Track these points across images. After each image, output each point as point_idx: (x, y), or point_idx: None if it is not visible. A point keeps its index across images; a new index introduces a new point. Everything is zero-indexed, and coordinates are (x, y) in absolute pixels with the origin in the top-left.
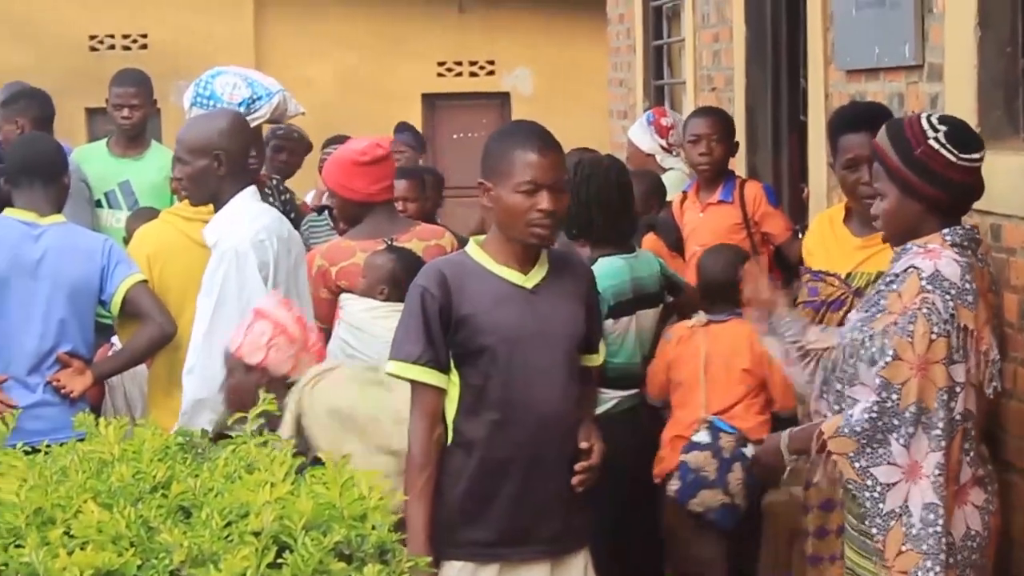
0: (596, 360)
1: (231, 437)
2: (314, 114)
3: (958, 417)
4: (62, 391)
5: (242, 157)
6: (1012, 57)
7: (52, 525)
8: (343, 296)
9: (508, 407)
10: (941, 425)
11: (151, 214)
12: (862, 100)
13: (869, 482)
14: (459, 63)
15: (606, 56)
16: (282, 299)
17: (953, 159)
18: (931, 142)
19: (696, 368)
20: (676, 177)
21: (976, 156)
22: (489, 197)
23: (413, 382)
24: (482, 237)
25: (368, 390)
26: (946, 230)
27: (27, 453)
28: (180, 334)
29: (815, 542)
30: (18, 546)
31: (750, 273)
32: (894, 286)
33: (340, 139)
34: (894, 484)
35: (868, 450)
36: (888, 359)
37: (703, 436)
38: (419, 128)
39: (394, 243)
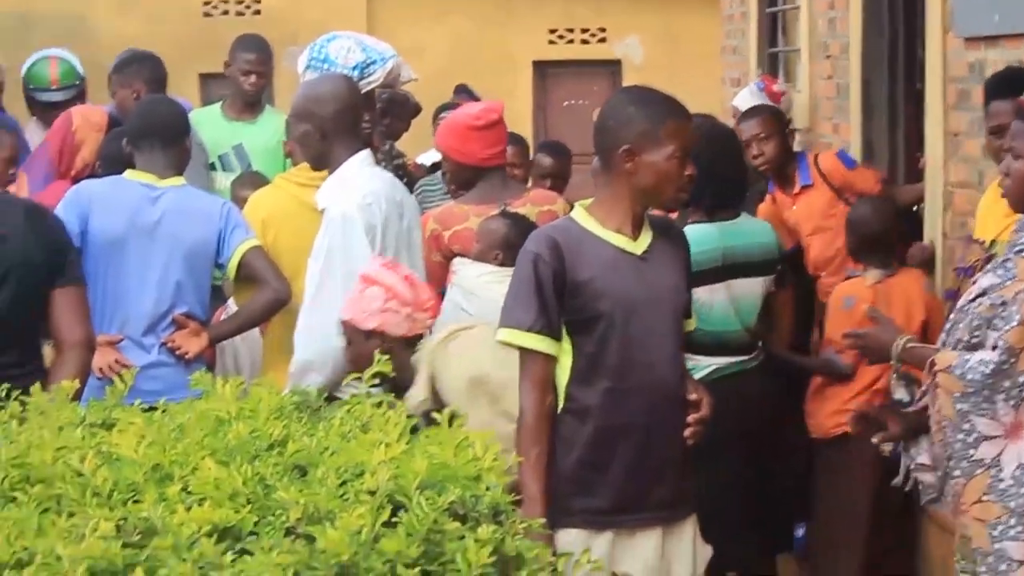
0: (691, 325)
1: (340, 399)
2: (426, 81)
3: None
4: (177, 352)
5: (350, 122)
6: None
7: (170, 481)
8: (456, 260)
9: (623, 374)
10: None
11: (256, 179)
12: (1019, 65)
13: (965, 426)
14: (570, 30)
15: (718, 23)
16: (387, 261)
17: None
18: None
19: None
20: None
21: None
22: (635, 163)
23: (523, 350)
24: (588, 202)
25: (502, 354)
26: None
27: (144, 412)
28: (294, 300)
29: None
30: (136, 501)
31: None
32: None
33: (453, 105)
34: (992, 437)
35: (974, 399)
36: (1014, 324)
37: (901, 393)
38: (530, 95)
39: (508, 208)
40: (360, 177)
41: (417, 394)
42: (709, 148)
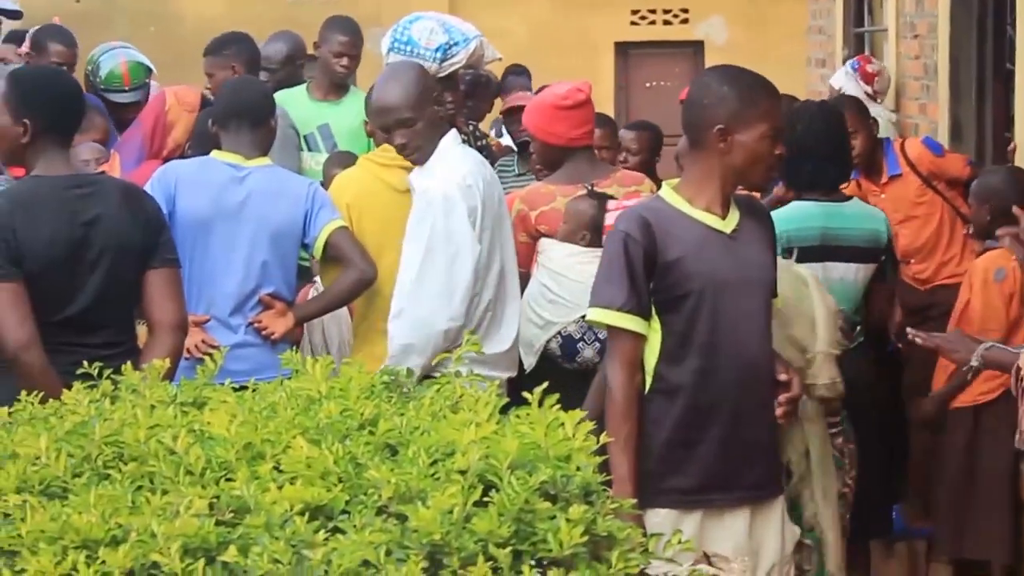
0: (777, 304)
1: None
2: (508, 63)
3: None
4: (263, 332)
5: (442, 102)
6: None
7: (262, 460)
8: (543, 241)
9: (713, 353)
10: None
11: (348, 158)
12: None
13: None
14: (652, 11)
15: (803, 4)
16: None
17: None
18: None
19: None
20: (880, 125)
21: None
22: (728, 143)
23: (612, 329)
24: (675, 181)
25: (795, 283)
26: None
27: (234, 391)
28: (379, 280)
29: None
30: (228, 480)
31: None
32: None
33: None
34: None
35: None
36: None
37: None
38: (612, 77)
39: (595, 188)
40: (454, 157)
41: None
42: (811, 127)
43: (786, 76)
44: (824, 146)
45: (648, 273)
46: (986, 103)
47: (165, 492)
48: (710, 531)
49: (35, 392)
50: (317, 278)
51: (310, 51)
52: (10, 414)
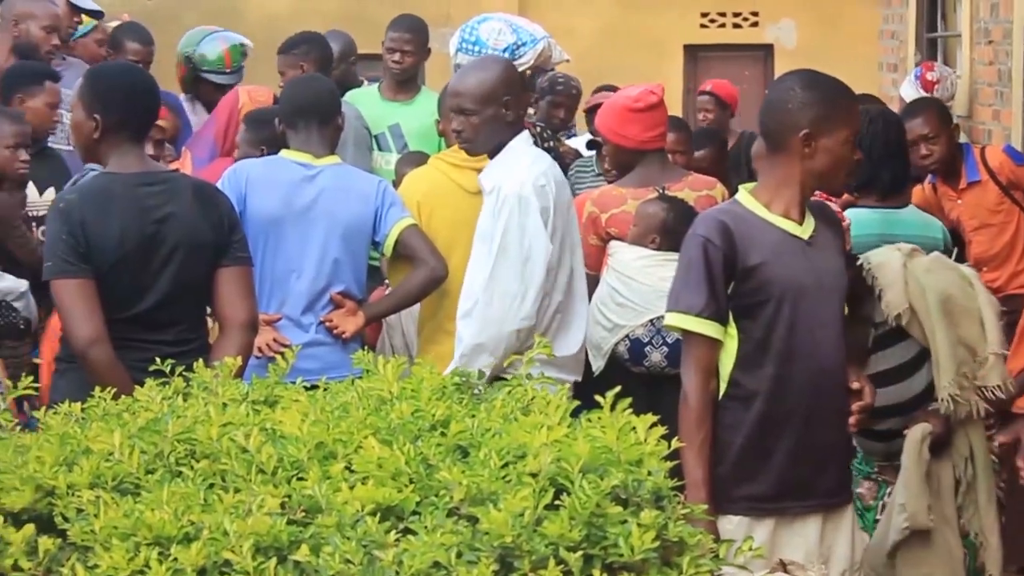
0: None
1: (506, 380)
2: (576, 64)
3: None
4: (334, 331)
5: (521, 103)
6: None
7: (333, 460)
8: (613, 244)
9: (789, 360)
10: None
11: (420, 158)
12: None
13: None
14: (722, 14)
15: (875, 8)
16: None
17: None
18: None
19: None
20: None
21: None
22: (812, 148)
23: (688, 334)
24: (751, 185)
25: (962, 282)
26: None
27: (305, 390)
28: (448, 280)
29: None
30: (300, 479)
31: None
32: None
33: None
34: None
35: None
36: None
37: None
38: (680, 80)
39: (666, 192)
40: (526, 158)
41: (898, 303)
42: (886, 131)
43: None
44: (879, 150)
45: (727, 279)
46: None
47: (237, 490)
48: (782, 538)
49: (107, 388)
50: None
51: (375, 50)
52: (83, 410)
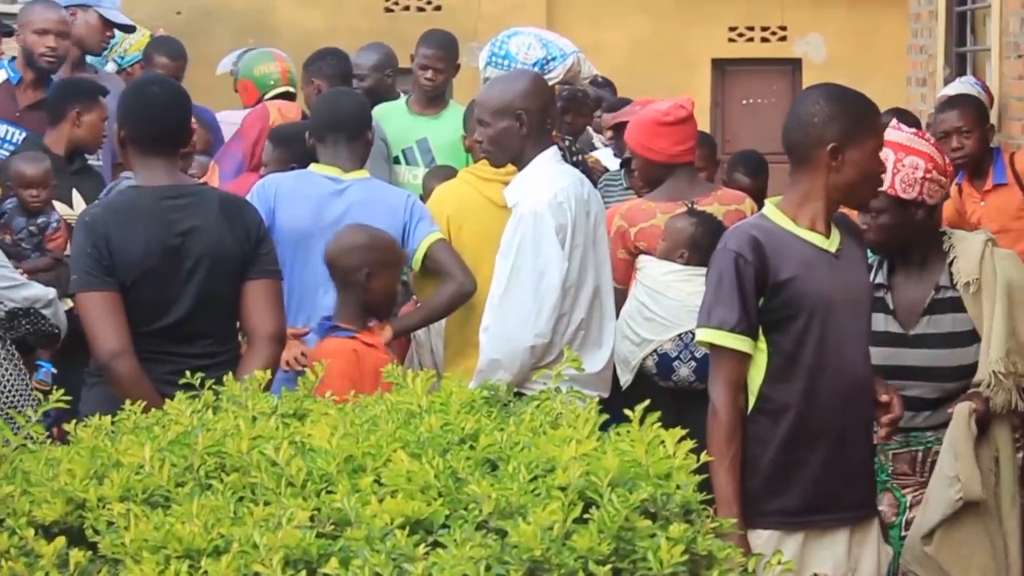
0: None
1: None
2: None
3: None
4: None
5: (543, 118)
6: None
7: (362, 473)
8: (641, 258)
9: (820, 374)
10: None
11: (448, 172)
12: None
13: None
14: (751, 28)
15: (904, 22)
16: (911, 130)
17: None
18: None
19: None
20: None
21: None
22: (840, 161)
23: (719, 348)
24: (778, 199)
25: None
26: None
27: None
28: (476, 294)
29: None
30: (330, 492)
31: None
32: None
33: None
34: None
35: None
36: None
37: None
38: (708, 94)
39: (695, 206)
40: (550, 174)
41: (970, 272)
42: None
43: (886, 95)
44: None
45: (759, 293)
46: None
47: (267, 503)
48: (811, 552)
49: (134, 401)
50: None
51: (405, 64)
52: (113, 423)
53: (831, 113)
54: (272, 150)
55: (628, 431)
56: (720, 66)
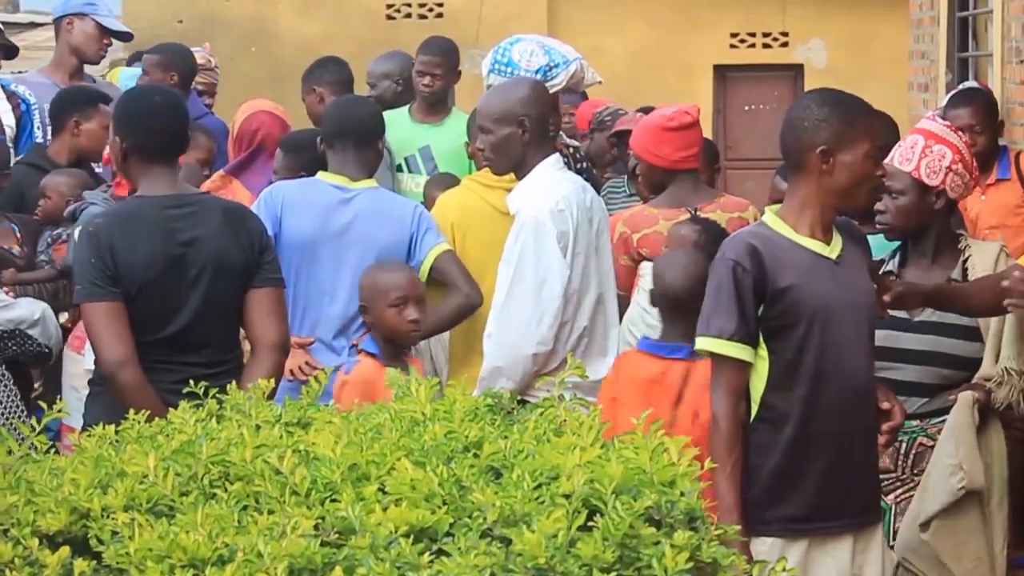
0: None
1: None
2: (606, 85)
3: None
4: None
5: (544, 124)
6: None
7: (366, 481)
8: (644, 264)
9: (822, 381)
10: None
11: (449, 180)
12: None
13: None
14: (752, 34)
15: (905, 28)
16: (945, 123)
17: None
18: None
19: None
20: None
21: None
22: (831, 164)
23: (719, 357)
24: (777, 207)
25: None
26: None
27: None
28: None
29: None
30: (334, 500)
31: None
32: None
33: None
34: None
35: None
36: None
37: None
38: (710, 100)
39: (698, 213)
40: (552, 181)
41: (984, 267)
42: None
43: (887, 100)
44: None
45: (758, 301)
46: None
47: (271, 512)
48: (815, 559)
49: (139, 411)
50: None
51: None
52: (117, 432)
53: (821, 117)
54: (282, 157)
55: (632, 438)
56: (721, 72)
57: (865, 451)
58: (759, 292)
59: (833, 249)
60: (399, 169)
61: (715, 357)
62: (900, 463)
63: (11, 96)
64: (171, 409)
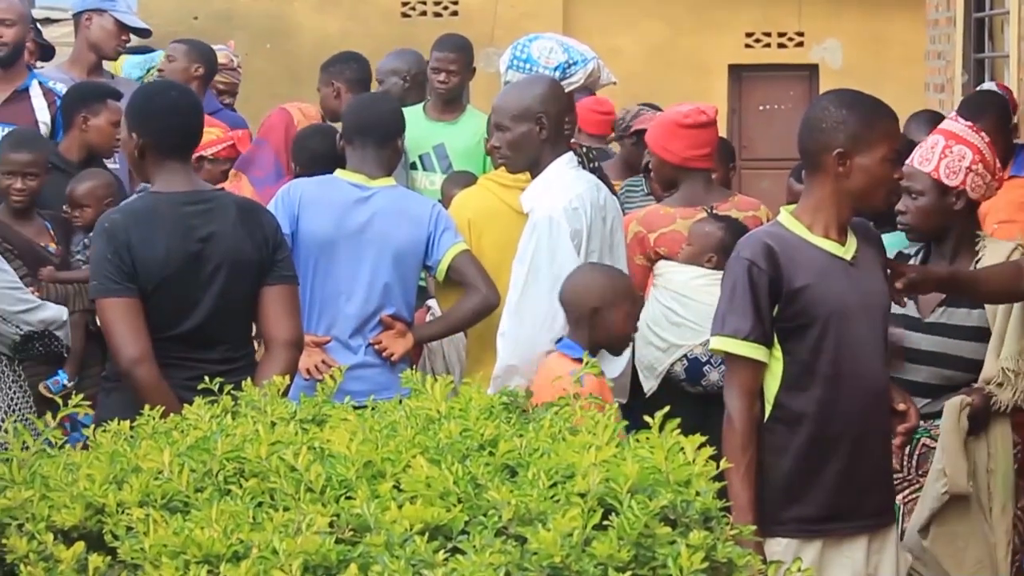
0: None
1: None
2: (621, 85)
3: None
4: (383, 353)
5: (561, 122)
6: None
7: (382, 479)
8: (661, 264)
9: (837, 381)
10: None
11: (466, 178)
12: None
13: None
14: (767, 34)
15: (921, 28)
16: (967, 124)
17: None
18: None
19: None
20: None
21: None
22: (847, 167)
23: (734, 357)
24: (793, 207)
25: None
26: None
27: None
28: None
29: None
30: (349, 498)
31: None
32: None
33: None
34: None
35: None
36: None
37: None
38: (725, 100)
39: (715, 211)
40: (566, 180)
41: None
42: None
43: (903, 101)
44: None
45: (773, 301)
46: None
47: (286, 509)
48: (829, 559)
49: (155, 407)
50: (430, 302)
51: None
52: (132, 428)
53: (839, 118)
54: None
55: (647, 437)
56: (737, 72)
57: (880, 452)
58: (774, 292)
59: (848, 250)
60: (413, 167)
61: (729, 357)
62: (905, 464)
63: (47, 93)
64: (186, 405)
